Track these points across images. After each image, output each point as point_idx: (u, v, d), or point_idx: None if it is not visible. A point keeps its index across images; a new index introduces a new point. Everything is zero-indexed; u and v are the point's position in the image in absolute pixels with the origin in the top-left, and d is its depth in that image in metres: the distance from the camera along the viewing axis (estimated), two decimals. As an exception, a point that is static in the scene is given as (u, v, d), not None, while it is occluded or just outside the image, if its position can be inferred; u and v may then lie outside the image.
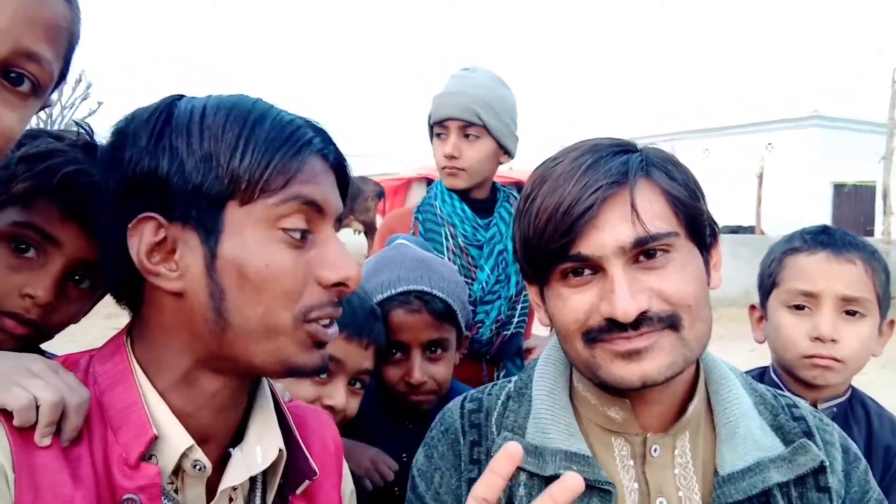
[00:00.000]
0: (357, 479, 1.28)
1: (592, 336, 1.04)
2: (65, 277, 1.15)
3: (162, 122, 0.89)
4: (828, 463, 1.09)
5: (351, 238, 13.53)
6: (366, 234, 13.07)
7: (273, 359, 0.92)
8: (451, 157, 2.16)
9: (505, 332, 2.17)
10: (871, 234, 18.16)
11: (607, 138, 1.12)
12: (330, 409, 1.46)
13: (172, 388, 0.93)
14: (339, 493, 1.13)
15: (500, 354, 2.19)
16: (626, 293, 1.00)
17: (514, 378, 1.26)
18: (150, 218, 0.88)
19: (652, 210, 1.03)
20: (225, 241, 0.88)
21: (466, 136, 2.17)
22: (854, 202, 22.62)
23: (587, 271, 1.05)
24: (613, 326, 1.02)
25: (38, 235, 1.12)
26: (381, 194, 11.51)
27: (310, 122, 0.96)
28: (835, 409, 1.60)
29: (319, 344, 0.94)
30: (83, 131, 1.19)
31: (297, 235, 0.90)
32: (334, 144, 0.98)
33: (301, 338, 0.91)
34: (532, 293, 1.20)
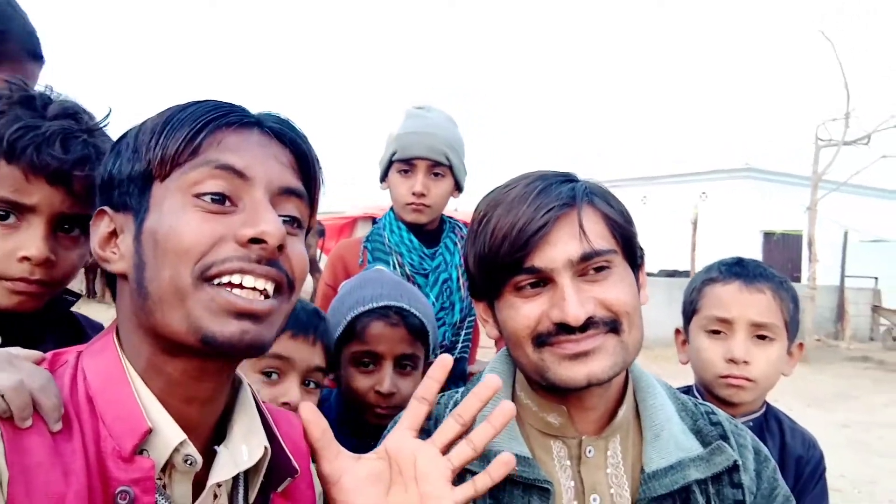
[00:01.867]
0: None
1: (542, 340, 1.16)
2: (54, 230, 1.18)
3: (121, 137, 0.99)
4: (741, 462, 1.22)
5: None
6: (311, 272, 12.96)
7: (185, 326, 0.88)
8: (421, 195, 2.25)
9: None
10: (797, 279, 18.90)
11: (550, 171, 1.26)
12: (286, 406, 1.47)
13: (149, 379, 0.93)
14: (314, 491, 1.13)
15: (447, 379, 2.25)
16: (576, 301, 1.13)
17: (461, 388, 1.36)
18: (102, 212, 0.97)
19: (595, 230, 1.18)
20: (148, 217, 0.92)
21: (434, 174, 2.28)
22: (782, 249, 23.50)
23: (538, 283, 1.17)
24: (562, 330, 1.14)
25: (8, 204, 1.14)
26: (321, 232, 11.55)
27: (236, 105, 0.99)
28: (751, 424, 1.72)
29: (237, 314, 0.89)
30: (15, 86, 1.19)
31: (210, 199, 0.91)
32: (268, 120, 0.99)
33: (206, 300, 0.88)
34: (480, 309, 1.31)
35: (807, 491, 1.71)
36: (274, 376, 1.51)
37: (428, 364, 1.83)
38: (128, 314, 0.95)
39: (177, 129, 0.92)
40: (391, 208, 2.40)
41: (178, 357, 0.93)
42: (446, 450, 1.06)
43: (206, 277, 0.89)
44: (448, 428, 1.06)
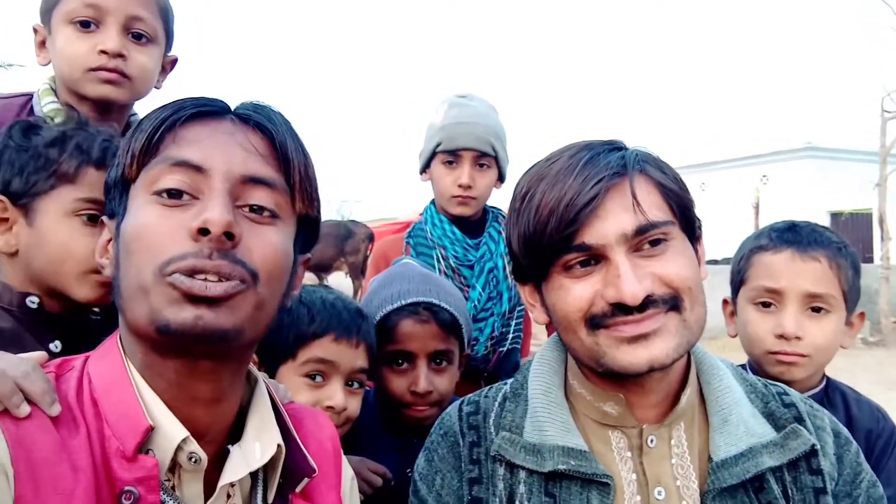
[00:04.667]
0: None
1: (596, 322, 1.07)
2: None
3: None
4: (819, 446, 1.12)
5: (343, 281, 13.48)
6: (353, 277, 13.11)
7: (144, 318, 0.89)
8: (468, 187, 2.20)
9: (500, 349, 2.19)
10: (870, 260, 18.15)
11: (596, 140, 1.17)
12: (330, 409, 1.49)
13: (150, 379, 0.94)
14: (338, 493, 1.12)
15: (498, 371, 2.20)
16: (632, 277, 1.04)
17: (509, 381, 1.28)
18: (102, 222, 1.03)
19: (650, 200, 1.08)
20: (124, 220, 0.95)
21: (480, 165, 2.21)
22: (851, 230, 22.58)
23: (590, 262, 1.09)
24: (619, 311, 1.05)
25: (99, 205, 1.27)
26: (371, 237, 11.66)
27: (205, 98, 0.99)
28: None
29: (192, 298, 0.87)
30: (74, 110, 1.40)
31: (166, 195, 0.91)
32: (240, 108, 1.00)
33: (164, 291, 0.87)
34: (525, 293, 1.23)
35: (881, 467, 1.55)
36: (318, 379, 1.52)
37: (464, 357, 1.78)
38: (122, 318, 0.96)
39: (141, 131, 0.95)
40: (432, 201, 2.35)
41: (166, 356, 0.92)
42: None
43: (164, 274, 0.88)
44: None
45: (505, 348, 2.20)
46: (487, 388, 1.30)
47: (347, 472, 1.18)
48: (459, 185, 2.19)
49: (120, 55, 1.65)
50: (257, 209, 0.95)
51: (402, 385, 1.66)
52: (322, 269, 12.97)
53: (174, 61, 1.88)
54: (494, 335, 2.18)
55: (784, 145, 25.99)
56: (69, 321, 1.33)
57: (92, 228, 1.29)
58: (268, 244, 0.95)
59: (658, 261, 1.07)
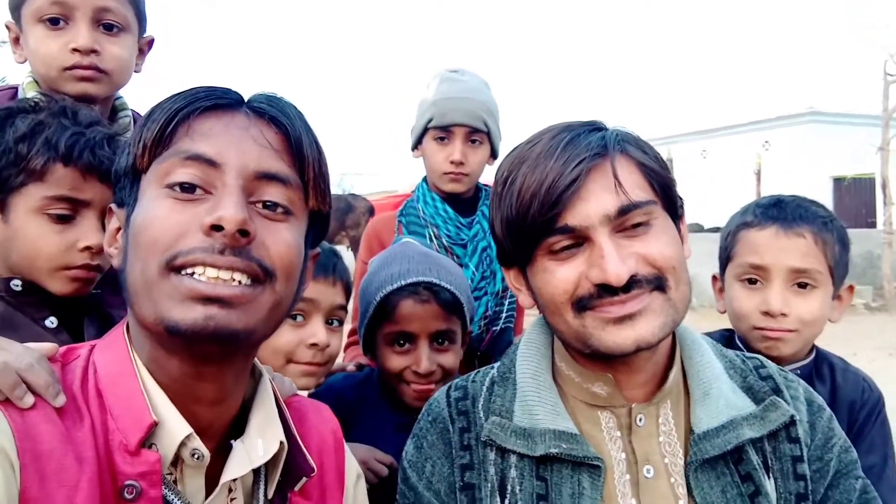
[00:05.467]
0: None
1: (583, 304, 1.07)
2: (101, 222, 1.33)
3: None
4: (798, 417, 1.13)
5: (346, 255, 13.51)
6: (354, 250, 13.15)
7: (153, 316, 0.88)
8: (459, 164, 2.16)
9: (494, 329, 2.18)
10: (873, 225, 18.11)
11: (576, 121, 1.17)
12: (314, 347, 1.53)
13: (155, 373, 0.93)
14: (339, 489, 1.13)
15: (491, 351, 2.19)
16: (616, 258, 1.04)
17: (496, 365, 1.28)
18: (111, 210, 1.01)
19: (631, 180, 1.08)
20: (134, 210, 0.94)
21: (472, 141, 2.18)
22: (854, 195, 22.53)
23: (573, 245, 1.08)
24: (604, 292, 1.05)
25: (69, 203, 1.30)
26: (371, 210, 11.65)
27: (219, 89, 0.97)
28: (799, 372, 1.60)
29: (202, 299, 0.86)
30: (49, 98, 1.35)
31: (178, 188, 0.90)
32: (255, 100, 0.98)
33: (169, 289, 0.87)
34: (510, 277, 1.23)
35: (862, 436, 1.57)
36: (299, 318, 1.56)
37: (467, 335, 1.76)
38: (130, 310, 0.96)
39: (153, 122, 0.93)
40: (424, 178, 2.32)
41: (172, 355, 0.92)
42: None
43: (171, 268, 0.87)
44: None
45: (498, 327, 2.18)
46: (474, 372, 1.30)
47: (351, 466, 1.18)
48: (451, 162, 2.16)
49: (93, 51, 1.63)
50: (271, 205, 0.94)
51: (402, 364, 1.65)
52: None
53: (151, 42, 1.86)
54: (488, 314, 2.16)
55: (786, 110, 25.79)
56: (62, 296, 1.35)
57: (61, 226, 1.31)
58: (283, 241, 0.94)
59: (641, 241, 1.08)
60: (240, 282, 0.89)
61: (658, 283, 1.07)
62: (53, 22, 1.62)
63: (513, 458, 1.12)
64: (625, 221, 1.07)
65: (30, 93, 1.69)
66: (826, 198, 23.24)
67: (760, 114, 26.58)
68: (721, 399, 1.14)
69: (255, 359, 1.08)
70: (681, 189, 1.20)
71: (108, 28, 1.67)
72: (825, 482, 1.13)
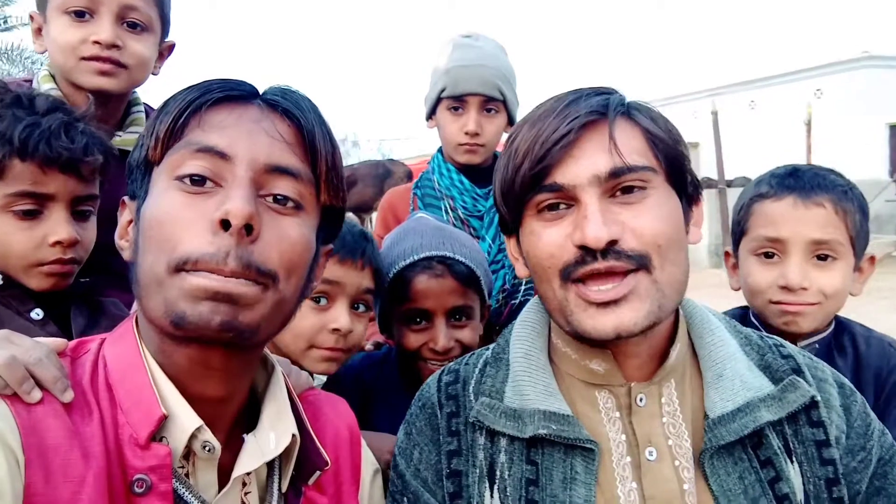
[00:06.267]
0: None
1: (569, 272, 1.02)
2: (71, 213, 1.32)
3: None
4: (820, 398, 1.07)
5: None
6: None
7: (161, 311, 0.87)
8: (475, 134, 2.08)
9: (513, 302, 2.12)
10: (931, 173, 17.33)
11: (589, 87, 1.12)
12: (336, 332, 1.47)
13: (164, 366, 0.93)
14: (354, 483, 1.12)
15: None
16: (599, 220, 0.99)
17: (491, 345, 1.24)
18: (123, 203, 1.00)
19: (630, 144, 1.03)
20: (145, 203, 0.93)
21: (487, 110, 2.10)
22: (911, 142, 21.67)
23: (562, 205, 1.04)
24: (587, 256, 1.00)
25: (33, 198, 1.28)
26: (409, 175, 11.66)
27: (232, 81, 0.97)
28: (816, 346, 1.54)
29: (210, 296, 0.86)
30: (2, 88, 1.32)
31: (188, 181, 0.90)
32: (268, 92, 0.97)
33: (178, 286, 0.86)
34: (510, 246, 1.19)
35: (891, 405, 1.48)
36: (323, 301, 1.49)
37: (486, 308, 1.71)
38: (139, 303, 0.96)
39: (166, 114, 0.93)
40: (439, 149, 2.25)
41: (179, 346, 0.91)
42: None
43: (177, 270, 0.87)
44: None
45: (517, 301, 2.12)
46: (468, 354, 1.26)
47: (368, 460, 1.17)
48: (466, 133, 2.08)
49: (114, 45, 1.65)
50: (281, 199, 0.93)
51: (419, 341, 1.61)
52: (363, 209, 13.05)
53: (171, 47, 1.87)
54: (506, 288, 2.10)
55: (839, 55, 24.75)
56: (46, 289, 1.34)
57: (28, 222, 1.28)
58: (287, 239, 0.92)
59: (632, 209, 1.02)
60: (244, 280, 0.88)
61: (641, 262, 1.00)
62: (79, 15, 1.65)
63: (503, 442, 1.08)
64: (617, 185, 1.01)
65: (45, 85, 1.71)
66: (882, 145, 22.39)
67: (812, 61, 25.58)
68: (736, 379, 1.07)
69: (268, 351, 1.07)
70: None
71: (132, 26, 1.70)
72: (869, 472, 1.07)
